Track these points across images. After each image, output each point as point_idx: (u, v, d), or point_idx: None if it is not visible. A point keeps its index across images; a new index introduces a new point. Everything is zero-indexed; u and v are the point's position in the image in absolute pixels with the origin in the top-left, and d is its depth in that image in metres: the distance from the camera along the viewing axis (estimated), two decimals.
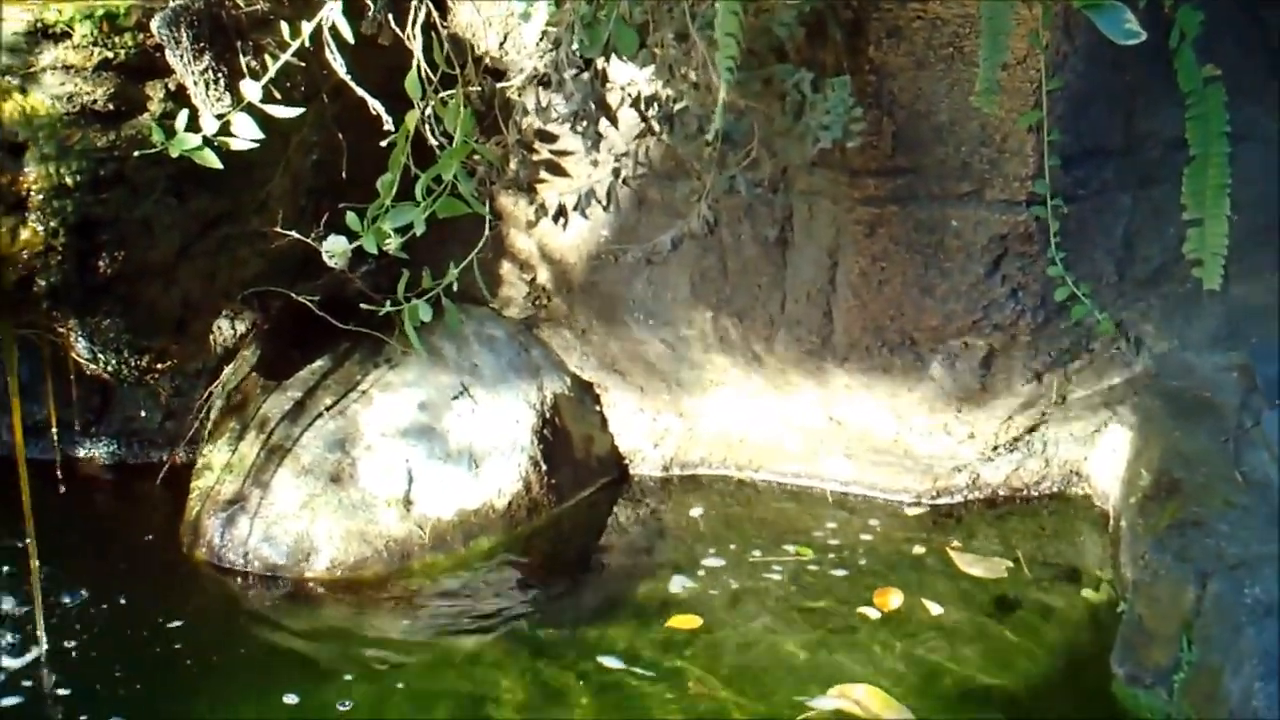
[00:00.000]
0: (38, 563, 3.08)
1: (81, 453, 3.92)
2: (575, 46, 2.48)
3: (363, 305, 2.92)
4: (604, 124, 2.85)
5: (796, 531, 3.67)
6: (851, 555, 3.55)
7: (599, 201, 2.97)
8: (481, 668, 3.15)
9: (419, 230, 2.61)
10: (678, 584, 3.45)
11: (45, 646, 3.10)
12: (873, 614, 3.30)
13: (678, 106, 2.72)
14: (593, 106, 2.70)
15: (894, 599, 3.35)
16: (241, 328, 3.86)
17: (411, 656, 3.22)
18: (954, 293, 3.44)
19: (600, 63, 2.69)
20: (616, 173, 2.98)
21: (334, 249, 2.66)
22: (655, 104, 2.79)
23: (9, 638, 3.14)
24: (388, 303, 2.80)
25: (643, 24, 2.66)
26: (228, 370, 3.80)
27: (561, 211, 3.08)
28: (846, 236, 3.41)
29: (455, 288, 2.85)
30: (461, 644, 3.27)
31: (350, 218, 2.66)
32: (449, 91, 2.76)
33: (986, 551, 3.57)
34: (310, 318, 3.61)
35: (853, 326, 3.50)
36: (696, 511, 3.80)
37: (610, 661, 3.14)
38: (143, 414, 3.89)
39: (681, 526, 3.76)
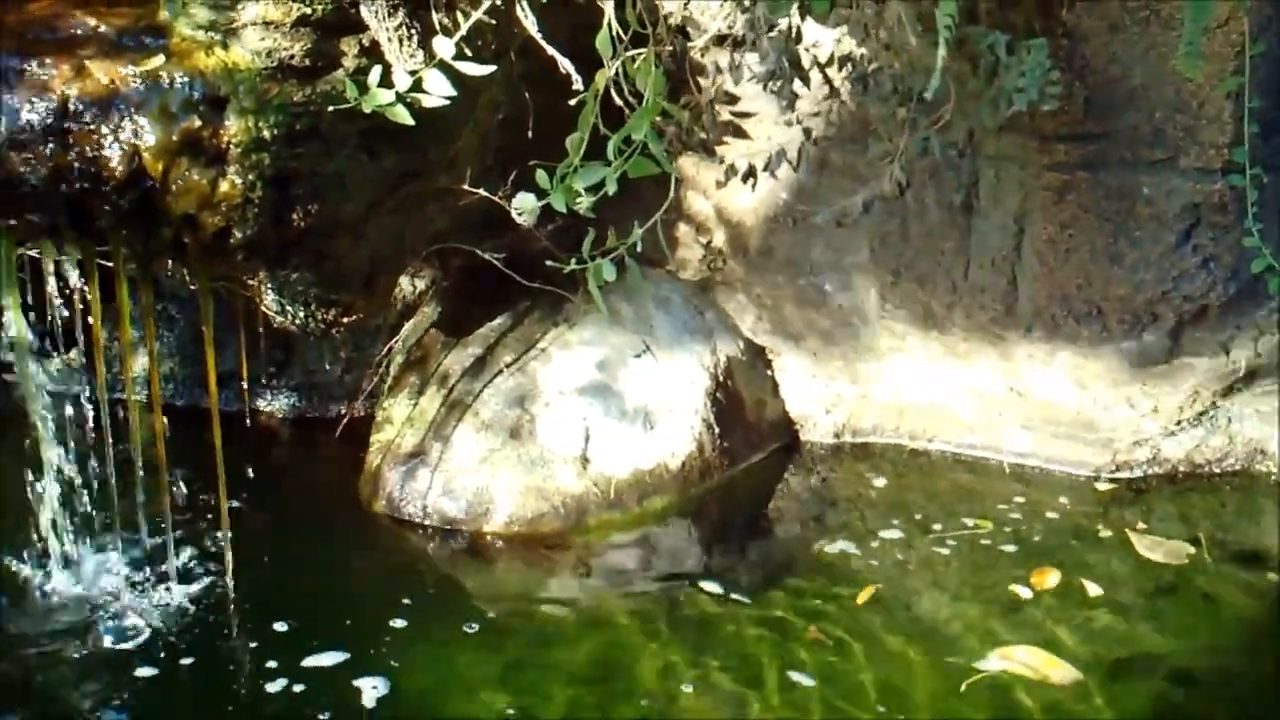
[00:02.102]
0: (227, 506, 3.16)
1: (263, 405, 4.00)
2: (772, 7, 2.46)
3: (548, 263, 2.93)
4: (797, 84, 2.82)
5: (971, 503, 3.63)
6: (1028, 530, 3.49)
7: (789, 163, 2.94)
8: (654, 626, 3.15)
9: (610, 190, 2.61)
10: (848, 551, 3.43)
11: (232, 585, 3.19)
12: (1046, 586, 3.25)
13: (872, 67, 2.68)
14: (787, 66, 2.68)
15: (1059, 577, 3.28)
16: (421, 284, 3.91)
17: (586, 613, 3.25)
18: (1143, 262, 3.36)
19: (795, 22, 2.66)
20: (808, 133, 2.95)
21: (523, 206, 2.67)
22: (849, 64, 2.75)
23: (201, 578, 3.23)
24: (573, 261, 2.80)
25: None
26: (408, 326, 3.86)
27: (751, 172, 3.06)
28: (1034, 202, 3.35)
29: (639, 248, 2.85)
30: (635, 602, 3.28)
31: (540, 176, 2.67)
32: (638, 50, 2.74)
33: (1167, 530, 3.49)
34: (490, 275, 3.65)
35: (1038, 295, 3.44)
36: (868, 479, 3.77)
37: (781, 625, 3.13)
38: (325, 367, 3.96)
39: (853, 494, 3.73)
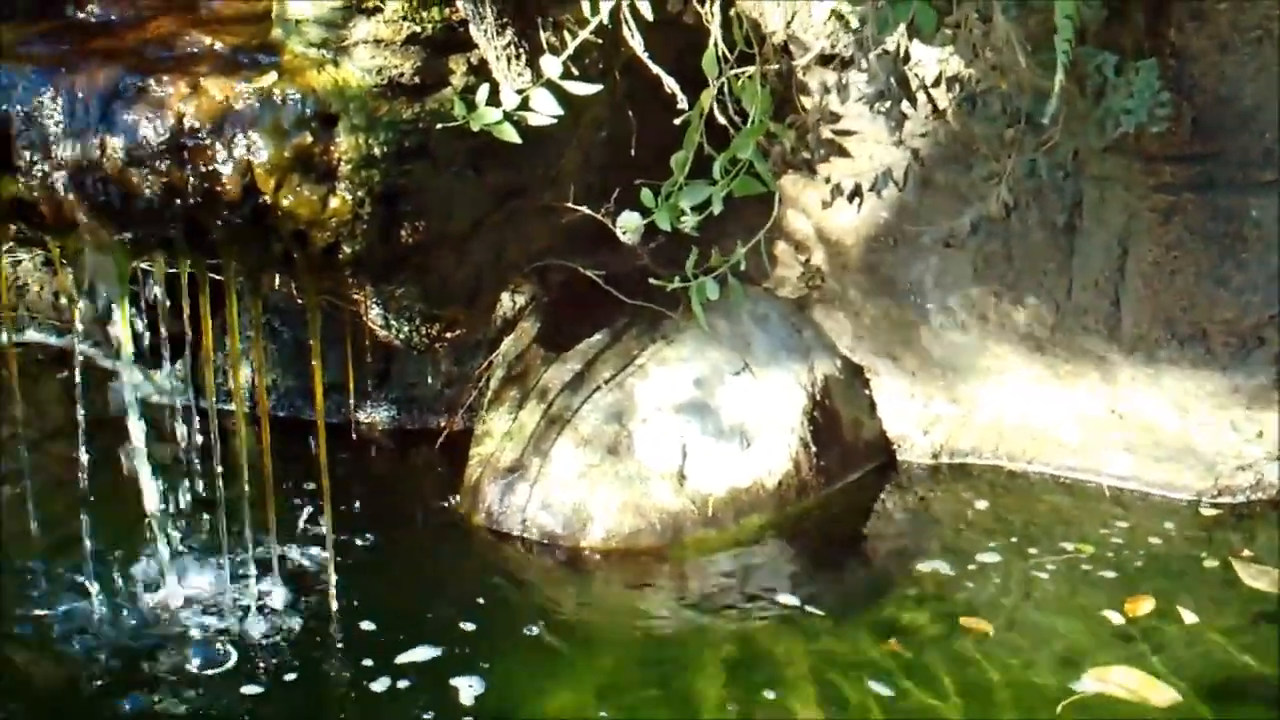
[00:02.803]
0: (330, 517, 3.21)
1: (363, 417, 4.04)
2: (879, 27, 2.46)
3: (652, 281, 2.94)
4: (904, 105, 2.82)
5: (1070, 526, 3.59)
6: (1129, 555, 3.45)
7: (895, 183, 2.94)
8: (750, 645, 3.16)
9: (716, 209, 2.62)
10: (943, 572, 3.41)
11: (335, 595, 3.23)
12: (1145, 611, 3.21)
13: (980, 87, 2.68)
14: (895, 86, 2.68)
15: (1159, 602, 3.24)
16: (521, 300, 3.94)
17: (682, 630, 3.26)
18: (1251, 285, 3.32)
19: (902, 42, 2.66)
20: (915, 154, 2.95)
21: (628, 225, 2.69)
22: (956, 85, 2.75)
23: (304, 587, 3.28)
24: (676, 279, 2.82)
25: (942, 4, 2.63)
26: (508, 341, 3.89)
27: (857, 191, 3.06)
28: (1139, 224, 3.32)
29: (742, 266, 2.86)
30: (730, 621, 3.28)
31: (644, 194, 2.69)
32: (743, 69, 2.76)
33: (1271, 558, 3.43)
34: (589, 291, 3.67)
35: (1142, 317, 3.41)
36: (966, 500, 3.74)
37: (874, 646, 3.12)
38: (426, 381, 4.01)
39: (950, 515, 3.70)
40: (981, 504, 3.73)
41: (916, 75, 2.91)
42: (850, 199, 3.14)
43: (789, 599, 3.34)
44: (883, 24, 2.45)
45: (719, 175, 2.63)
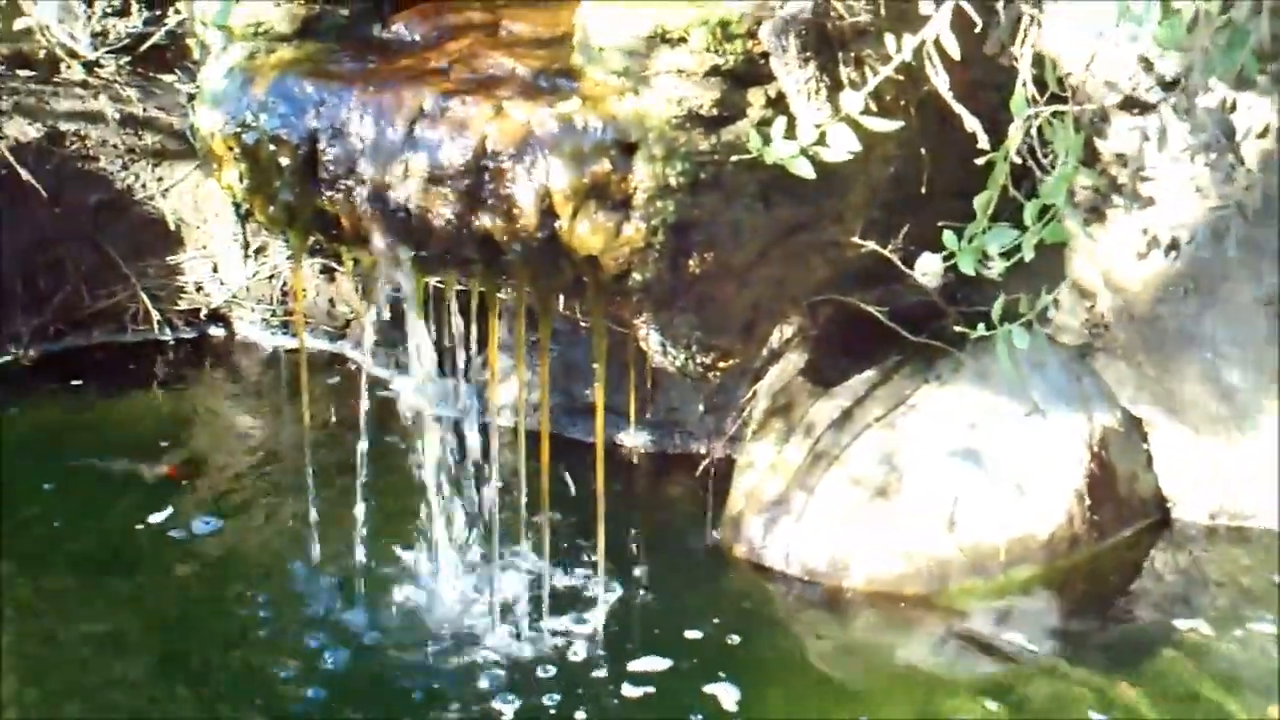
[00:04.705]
0: (603, 539, 3.24)
1: (624, 438, 4.06)
2: (1206, 75, 2.36)
3: (957, 328, 2.89)
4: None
5: None
6: None
7: (1217, 237, 2.83)
8: (1008, 694, 3.12)
9: (1028, 256, 2.55)
10: (1213, 638, 3.29)
11: (602, 618, 3.29)
12: None
13: None
14: (1223, 138, 2.58)
15: None
16: (788, 331, 3.90)
17: (941, 672, 3.23)
18: None
19: (1231, 94, 2.56)
20: (1240, 207, 2.84)
21: (928, 268, 2.64)
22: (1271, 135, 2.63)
23: (572, 608, 3.34)
24: (980, 325, 2.74)
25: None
26: (773, 371, 3.86)
27: (1174, 245, 2.96)
28: None
29: (1048, 312, 2.79)
30: (990, 669, 3.24)
31: (947, 236, 2.63)
32: (1053, 110, 2.68)
33: None
34: (859, 326, 3.63)
35: None
36: (1242, 564, 3.58)
37: (1136, 710, 3.05)
38: (689, 406, 4.00)
39: (1225, 578, 3.55)
40: (1259, 569, 3.57)
41: (1246, 125, 2.79)
42: (1167, 252, 3.03)
43: (1051, 652, 3.28)
44: (1210, 70, 2.35)
45: (1030, 221, 2.56)
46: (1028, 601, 3.44)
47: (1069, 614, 3.46)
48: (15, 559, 3.56)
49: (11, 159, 4.30)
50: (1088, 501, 3.54)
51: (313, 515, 3.47)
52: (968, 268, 2.59)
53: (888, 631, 3.37)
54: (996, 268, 2.53)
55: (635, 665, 3.17)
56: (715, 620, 3.33)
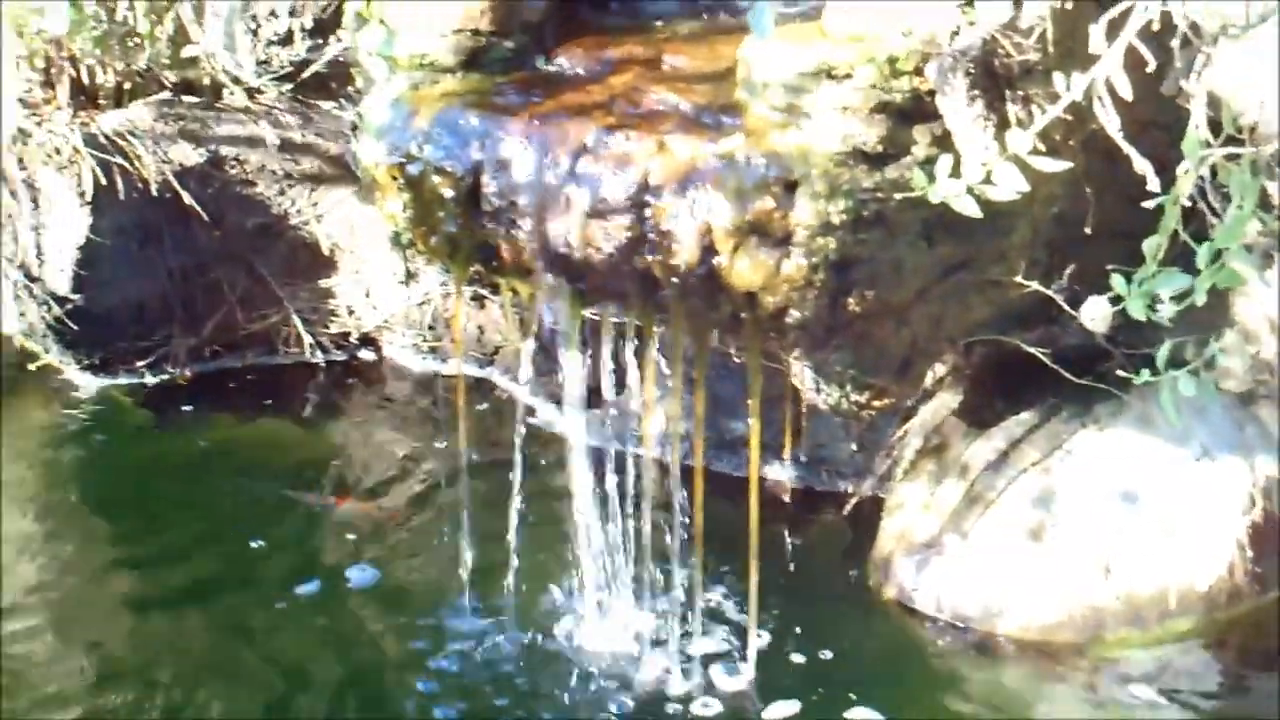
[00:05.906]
0: (756, 578, 3.21)
1: (771, 473, 4.03)
2: None
3: (1121, 373, 2.82)
4: None
5: None
6: None
7: None
8: None
9: (1199, 300, 2.49)
10: None
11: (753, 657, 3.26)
12: None
13: None
14: None
15: None
16: (941, 370, 3.85)
17: None
18: None
19: None
20: None
21: (1095, 313, 2.58)
22: None
23: (720, 644, 3.34)
24: (1144, 372, 2.68)
25: None
26: (925, 410, 3.80)
27: None
28: None
29: (1216, 359, 2.71)
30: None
31: (1116, 280, 2.58)
32: (1228, 152, 2.61)
33: None
34: (1015, 366, 3.56)
35: None
36: None
37: None
38: (838, 444, 3.97)
39: None
40: None
41: None
42: None
43: (1211, 711, 3.21)
44: None
45: (1203, 265, 2.49)
46: (1185, 655, 3.35)
47: (1228, 669, 3.37)
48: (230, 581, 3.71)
49: (175, 182, 4.40)
50: (1249, 553, 3.43)
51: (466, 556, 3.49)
52: (1138, 312, 2.52)
53: (1042, 681, 3.31)
54: (1166, 312, 2.47)
55: (783, 708, 3.16)
56: (866, 665, 3.31)
